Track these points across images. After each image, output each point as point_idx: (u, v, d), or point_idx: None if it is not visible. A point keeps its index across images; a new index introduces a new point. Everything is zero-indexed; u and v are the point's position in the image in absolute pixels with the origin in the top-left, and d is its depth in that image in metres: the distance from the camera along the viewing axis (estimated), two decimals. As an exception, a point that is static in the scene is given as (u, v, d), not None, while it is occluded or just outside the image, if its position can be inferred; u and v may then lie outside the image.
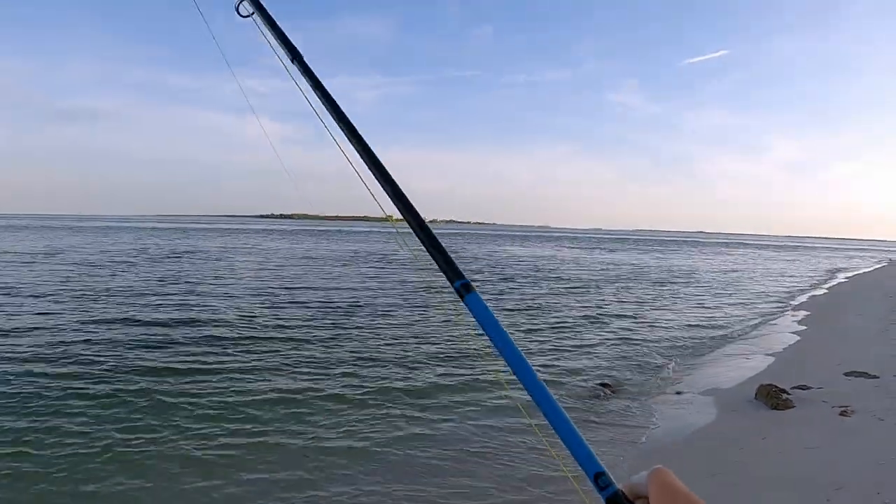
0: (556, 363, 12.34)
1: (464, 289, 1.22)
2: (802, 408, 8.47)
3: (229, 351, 12.04)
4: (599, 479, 0.95)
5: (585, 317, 18.64)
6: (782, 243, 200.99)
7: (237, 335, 13.46)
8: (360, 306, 18.79)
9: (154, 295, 19.45)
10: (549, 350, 13.58)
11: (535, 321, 17.43)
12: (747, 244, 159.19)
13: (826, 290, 30.07)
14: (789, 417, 8.07)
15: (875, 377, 9.98)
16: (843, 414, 7.93)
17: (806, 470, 6.04)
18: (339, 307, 18.38)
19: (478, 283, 21.63)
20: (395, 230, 1.49)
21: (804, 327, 16.97)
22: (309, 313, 16.91)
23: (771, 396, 8.92)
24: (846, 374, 10.39)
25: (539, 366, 12.06)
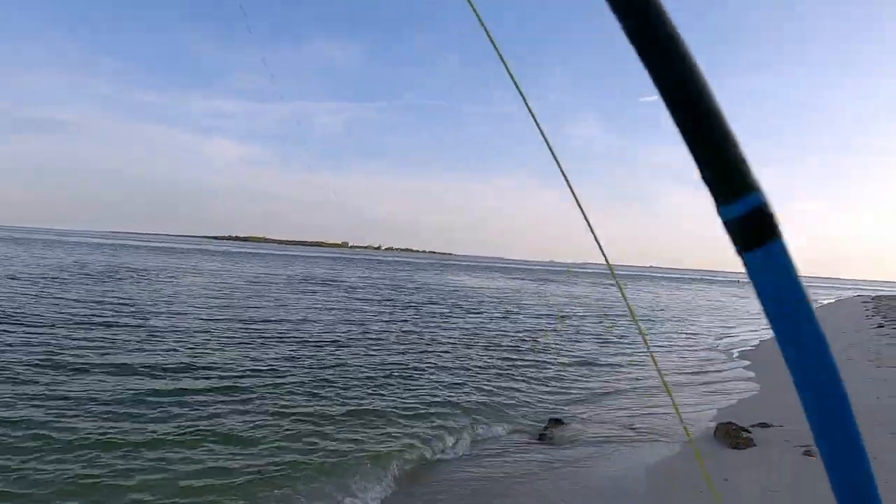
0: (502, 397, 12.12)
1: (751, 230, 0.61)
2: (764, 447, 8.44)
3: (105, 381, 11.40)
4: None
5: (532, 350, 18.60)
6: (737, 279, 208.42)
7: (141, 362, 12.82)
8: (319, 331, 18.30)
9: (62, 315, 18.46)
10: (496, 384, 13.36)
11: (484, 352, 17.26)
12: (702, 279, 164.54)
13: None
14: (751, 457, 8.00)
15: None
16: (807, 454, 7.90)
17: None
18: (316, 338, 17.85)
19: (427, 312, 21.43)
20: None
21: (759, 364, 17.23)
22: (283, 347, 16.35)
23: (730, 435, 8.87)
24: (806, 412, 10.45)
25: (486, 400, 11.83)
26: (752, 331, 28.78)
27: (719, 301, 57.01)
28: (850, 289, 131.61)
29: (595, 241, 1.51)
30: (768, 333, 27.22)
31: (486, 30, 1.53)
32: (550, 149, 1.51)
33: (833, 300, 61.24)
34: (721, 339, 25.60)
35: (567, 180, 1.50)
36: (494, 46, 1.52)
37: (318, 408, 10.51)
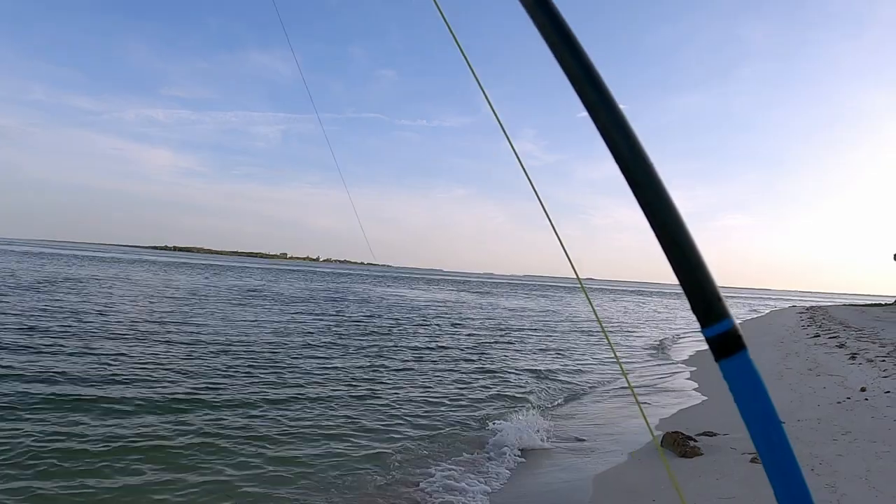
0: (439, 411, 12.04)
1: (723, 345, 0.86)
2: (711, 455, 8.58)
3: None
4: None
5: (472, 362, 18.64)
6: (671, 290, 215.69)
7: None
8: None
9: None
10: (432, 396, 13.28)
11: (416, 365, 17.21)
12: (639, 291, 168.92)
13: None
14: (699, 466, 8.11)
15: (781, 423, 10.32)
16: (753, 461, 8.06)
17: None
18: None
19: (367, 324, 21.35)
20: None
21: (702, 374, 17.62)
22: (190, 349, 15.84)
23: (678, 444, 8.99)
24: (750, 420, 10.71)
25: (422, 413, 11.74)
26: (695, 340, 29.44)
27: (658, 312, 58.29)
28: (783, 299, 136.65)
29: (566, 255, 1.62)
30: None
31: (458, 46, 1.66)
32: (522, 166, 1.65)
33: (768, 311, 63.43)
34: (662, 348, 26.13)
35: (538, 196, 1.62)
36: (466, 61, 1.66)
37: (250, 425, 10.25)
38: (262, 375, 14.26)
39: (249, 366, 15.24)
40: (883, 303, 71.34)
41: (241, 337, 20.66)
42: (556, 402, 13.36)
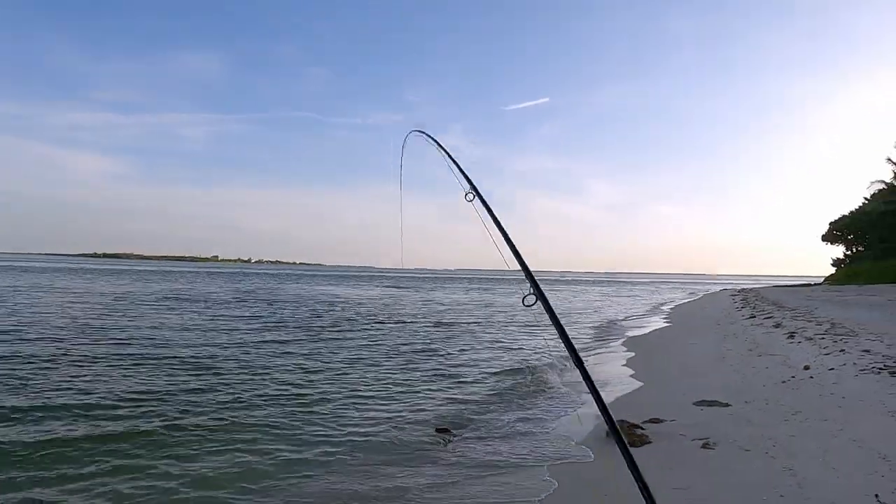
0: (380, 409, 11.55)
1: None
2: (660, 442, 8.31)
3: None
4: None
5: (407, 357, 18.23)
6: (605, 279, 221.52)
7: None
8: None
9: None
10: (371, 394, 12.78)
11: (352, 364, 16.73)
12: (572, 280, 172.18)
13: (655, 323, 32.22)
14: (649, 454, 7.81)
15: (727, 405, 10.21)
16: (705, 447, 7.82)
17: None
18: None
19: (292, 321, 20.61)
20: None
21: (639, 360, 17.56)
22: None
23: (624, 433, 8.70)
24: (696, 404, 10.57)
25: (362, 412, 11.21)
26: (637, 327, 29.69)
27: (596, 301, 58.99)
28: (714, 283, 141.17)
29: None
30: (646, 329, 28.23)
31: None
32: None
33: (702, 295, 65.14)
34: (600, 335, 26.16)
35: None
36: None
37: (178, 433, 9.55)
38: (185, 381, 13.48)
39: (169, 375, 14.39)
40: (812, 283, 74.05)
41: (165, 343, 19.70)
42: (497, 396, 12.94)
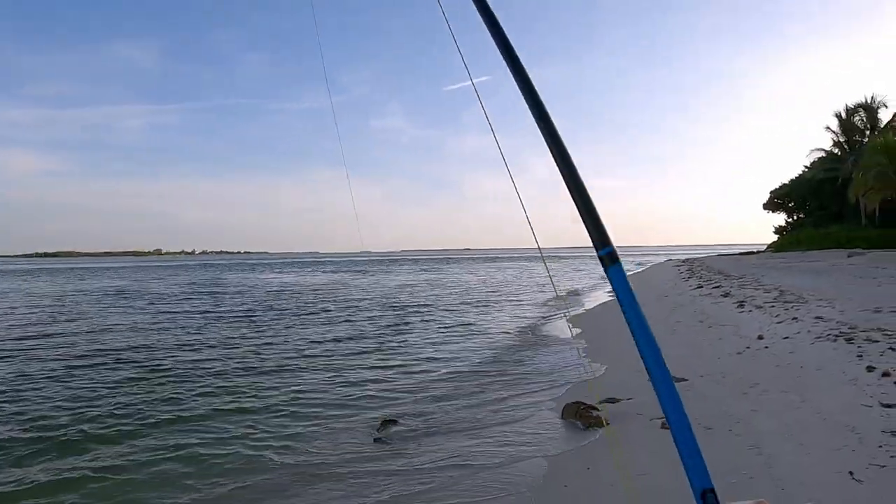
0: (324, 399, 11.15)
1: (609, 258, 1.41)
2: (618, 423, 8.08)
3: None
4: (707, 497, 1.07)
5: (354, 344, 17.86)
6: (551, 255, 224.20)
7: None
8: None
9: None
10: (314, 385, 12.34)
11: (297, 352, 16.39)
12: (514, 257, 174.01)
13: (601, 296, 32.31)
14: (607, 437, 7.54)
15: (683, 380, 10.02)
16: (664, 426, 7.54)
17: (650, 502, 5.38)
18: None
19: (233, 314, 20.10)
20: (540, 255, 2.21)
21: (587, 337, 17.40)
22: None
23: (581, 415, 8.46)
24: (650, 380, 10.36)
25: (306, 403, 10.76)
26: (582, 302, 29.67)
27: (543, 277, 59.14)
28: (657, 254, 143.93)
29: (530, 228, 1.91)
30: (593, 304, 28.25)
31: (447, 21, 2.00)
32: (499, 148, 2.10)
33: (648, 266, 66.04)
34: (547, 311, 26.06)
35: (509, 171, 2.11)
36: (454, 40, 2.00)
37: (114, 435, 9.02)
38: (116, 382, 12.91)
39: (100, 375, 13.75)
40: (755, 250, 75.78)
41: (99, 342, 18.93)
42: (443, 383, 12.57)
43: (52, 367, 14.57)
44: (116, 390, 12.19)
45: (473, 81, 2.02)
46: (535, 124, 1.62)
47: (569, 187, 1.49)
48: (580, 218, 1.44)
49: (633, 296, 1.30)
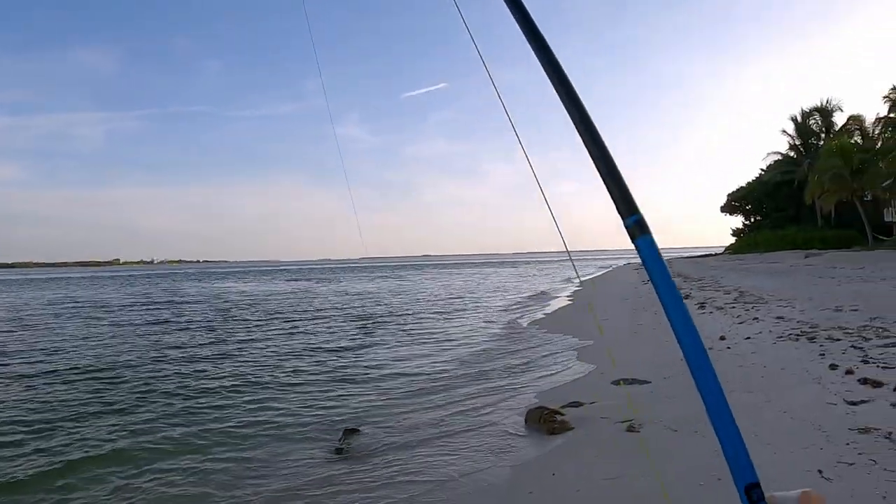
0: (284, 410, 10.91)
1: (637, 227, 1.26)
2: (583, 427, 7.99)
3: None
4: (752, 493, 1.00)
5: (314, 354, 17.59)
6: (511, 260, 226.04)
7: None
8: None
9: None
10: (270, 395, 12.11)
11: (256, 362, 16.13)
12: (476, 263, 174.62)
13: (563, 300, 32.40)
14: (574, 442, 7.48)
15: (646, 382, 10.03)
16: (630, 430, 7.52)
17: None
18: None
19: (189, 325, 19.58)
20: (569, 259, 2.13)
21: (552, 339, 17.37)
22: None
23: (545, 420, 8.35)
24: (614, 383, 10.37)
25: (265, 415, 10.50)
26: (544, 307, 29.69)
27: (508, 282, 59.35)
28: (617, 258, 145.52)
29: (557, 230, 1.88)
30: (553, 308, 28.30)
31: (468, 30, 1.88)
32: (522, 148, 1.94)
33: (610, 269, 66.65)
34: (514, 318, 26.01)
35: (533, 172, 1.93)
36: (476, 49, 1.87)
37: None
38: (67, 397, 12.52)
39: (50, 389, 13.32)
40: (714, 253, 76.95)
41: (51, 353, 18.39)
42: (405, 392, 12.39)
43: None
44: (58, 412, 11.74)
45: (498, 91, 1.90)
46: (547, 77, 1.48)
47: (588, 148, 1.34)
48: (603, 184, 1.30)
49: (667, 271, 1.18)
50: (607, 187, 1.28)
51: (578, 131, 1.37)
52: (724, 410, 1.07)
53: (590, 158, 1.33)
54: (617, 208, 1.26)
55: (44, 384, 14.05)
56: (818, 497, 0.74)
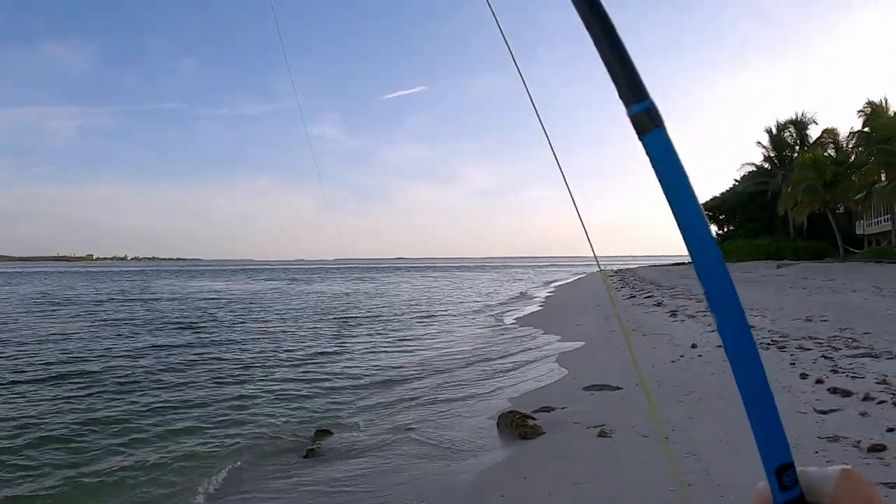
0: (251, 410, 10.86)
1: (647, 117, 0.86)
2: (555, 432, 8.02)
3: None
4: (783, 476, 0.74)
5: (289, 354, 17.55)
6: (482, 264, 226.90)
7: None
8: None
9: None
10: (244, 394, 12.03)
11: (229, 363, 16.03)
12: (448, 267, 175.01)
13: (535, 306, 32.51)
14: (544, 446, 7.51)
15: (618, 388, 10.10)
16: (602, 435, 7.57)
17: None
18: None
19: (162, 325, 19.39)
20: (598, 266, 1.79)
21: (529, 342, 17.43)
22: None
23: (517, 425, 8.37)
24: (586, 389, 10.42)
25: (228, 417, 10.38)
26: (516, 311, 29.76)
27: (482, 286, 59.49)
28: (591, 265, 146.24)
29: (585, 235, 1.60)
30: (527, 310, 28.39)
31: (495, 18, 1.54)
32: (552, 148, 1.62)
33: (582, 275, 67.05)
34: (488, 323, 26.04)
35: (563, 176, 1.62)
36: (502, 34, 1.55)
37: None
38: (30, 394, 12.29)
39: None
40: (686, 262, 77.60)
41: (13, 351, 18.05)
42: (393, 394, 12.34)
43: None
44: (27, 407, 11.58)
45: (533, 102, 1.58)
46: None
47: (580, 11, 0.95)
48: (604, 65, 0.93)
49: (685, 176, 0.85)
50: (606, 63, 0.94)
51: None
52: (757, 373, 0.80)
53: (584, 27, 0.94)
54: (619, 92, 0.93)
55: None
56: (858, 475, 0.66)
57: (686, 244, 0.85)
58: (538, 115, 1.69)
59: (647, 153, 0.88)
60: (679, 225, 0.84)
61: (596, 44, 0.95)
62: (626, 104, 0.91)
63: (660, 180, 0.88)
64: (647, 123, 0.87)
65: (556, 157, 1.63)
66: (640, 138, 0.88)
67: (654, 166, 0.88)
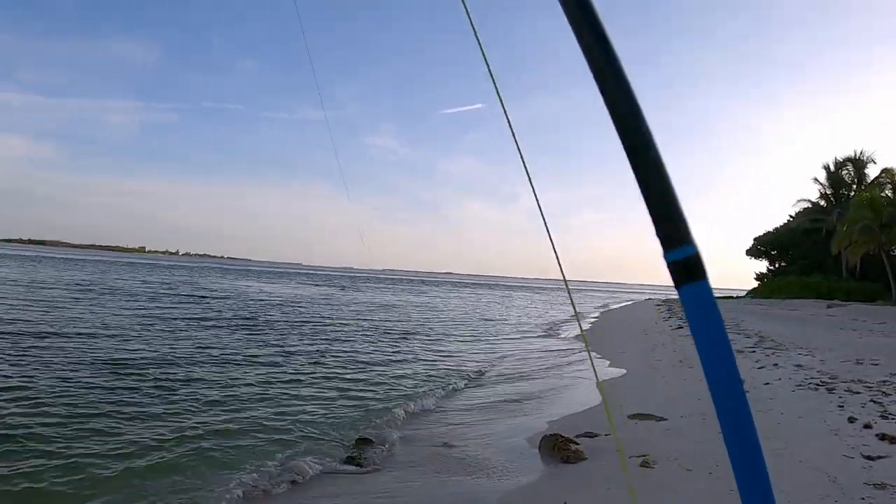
0: (297, 413, 11.01)
1: (685, 268, 0.85)
2: (596, 459, 7.99)
3: None
4: None
5: (334, 360, 17.74)
6: (533, 285, 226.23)
7: None
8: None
9: None
10: (290, 399, 12.21)
11: (273, 366, 16.17)
12: (498, 284, 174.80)
13: (583, 331, 32.25)
14: (586, 472, 7.48)
15: (663, 419, 9.99)
16: (644, 465, 7.51)
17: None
18: None
19: (213, 323, 19.80)
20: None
21: (572, 367, 17.35)
22: None
23: (559, 448, 8.35)
24: (631, 417, 10.32)
25: (278, 423, 10.54)
26: (561, 332, 29.61)
27: (532, 306, 59.32)
28: (637, 293, 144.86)
29: (554, 253, 1.68)
30: (574, 332, 28.20)
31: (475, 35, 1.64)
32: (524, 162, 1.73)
33: (630, 303, 66.39)
34: (538, 340, 25.98)
35: (535, 193, 1.73)
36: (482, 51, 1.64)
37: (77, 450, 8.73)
38: (77, 381, 12.57)
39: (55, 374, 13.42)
40: (735, 296, 76.20)
41: (69, 337, 18.50)
42: (438, 410, 12.42)
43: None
44: (78, 397, 11.86)
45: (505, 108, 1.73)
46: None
47: (624, 140, 0.90)
48: (642, 196, 0.87)
49: (725, 339, 0.82)
50: (647, 201, 0.86)
51: (611, 114, 0.92)
52: (757, 458, 0.83)
53: (626, 158, 0.89)
54: (656, 231, 0.85)
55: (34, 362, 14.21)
56: None
57: (717, 412, 0.89)
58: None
59: (682, 303, 0.85)
60: (712, 391, 0.86)
61: (636, 174, 0.88)
62: (665, 247, 0.85)
63: (694, 337, 0.85)
64: (686, 275, 0.84)
65: (531, 182, 1.74)
66: (677, 289, 0.84)
67: (688, 318, 0.85)
